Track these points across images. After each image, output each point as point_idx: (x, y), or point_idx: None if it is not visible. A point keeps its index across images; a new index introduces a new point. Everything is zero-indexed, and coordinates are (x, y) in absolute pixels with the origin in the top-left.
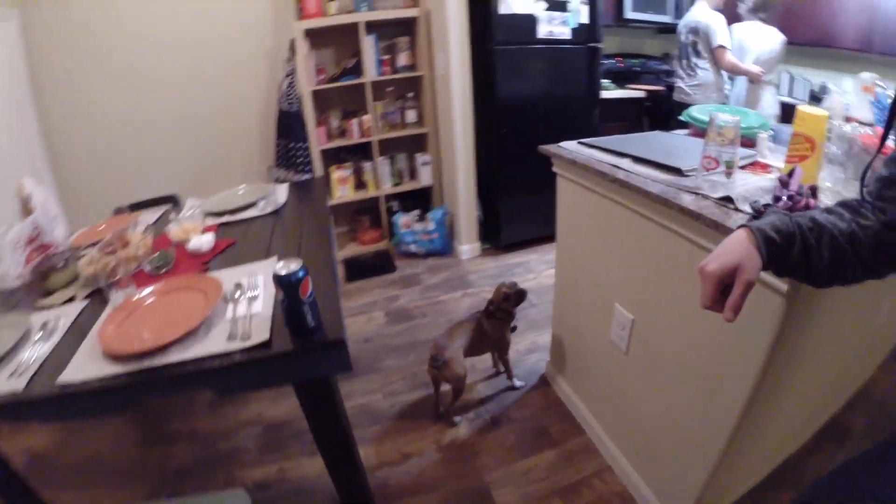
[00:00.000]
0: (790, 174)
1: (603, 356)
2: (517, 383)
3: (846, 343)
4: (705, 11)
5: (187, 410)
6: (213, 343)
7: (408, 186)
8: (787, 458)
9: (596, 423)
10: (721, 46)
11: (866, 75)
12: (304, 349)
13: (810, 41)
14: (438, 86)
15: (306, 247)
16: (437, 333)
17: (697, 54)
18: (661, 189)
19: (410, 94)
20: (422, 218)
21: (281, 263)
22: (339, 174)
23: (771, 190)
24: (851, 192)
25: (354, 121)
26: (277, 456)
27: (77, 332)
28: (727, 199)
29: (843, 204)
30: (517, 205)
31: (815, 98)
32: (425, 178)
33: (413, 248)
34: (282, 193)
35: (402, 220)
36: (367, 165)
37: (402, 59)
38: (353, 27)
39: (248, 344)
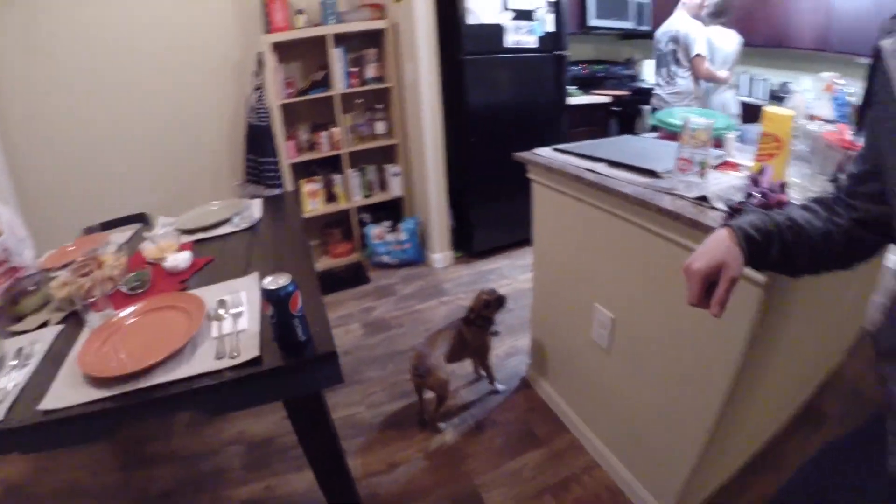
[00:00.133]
0: (760, 172)
1: (585, 355)
2: (499, 387)
3: (817, 330)
4: (684, 20)
5: (166, 432)
6: (201, 362)
7: (378, 198)
8: (767, 442)
9: (580, 421)
10: (699, 55)
11: (827, 74)
12: (297, 364)
13: (769, 42)
14: (407, 96)
15: (287, 261)
16: (416, 342)
17: (677, 63)
18: (639, 191)
19: (379, 106)
20: (394, 228)
21: (269, 278)
22: (310, 187)
23: (743, 188)
24: (818, 186)
25: (324, 133)
26: (263, 473)
27: (55, 357)
28: (703, 199)
29: (818, 201)
30: (488, 212)
31: (775, 97)
32: (396, 188)
33: (386, 258)
34: (256, 209)
35: (374, 231)
36: (337, 178)
37: (371, 71)
38: (320, 40)
39: (237, 361)
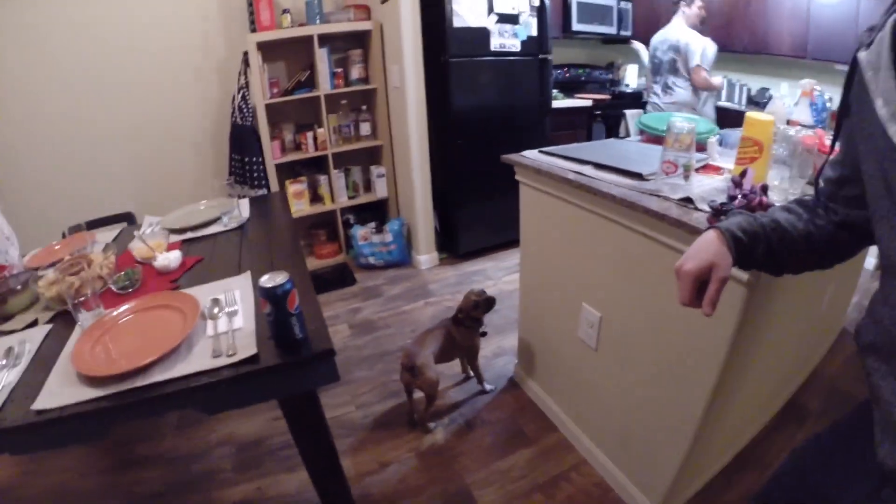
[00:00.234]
0: (742, 175)
1: (572, 354)
2: (487, 387)
3: (798, 329)
4: (683, 30)
5: (154, 433)
6: (198, 360)
7: (364, 199)
8: (753, 439)
9: (569, 419)
10: (698, 66)
11: (805, 81)
12: (294, 361)
13: (749, 49)
14: (392, 98)
15: (279, 260)
16: (404, 343)
17: (675, 72)
18: (625, 193)
19: (364, 107)
20: (379, 230)
21: (267, 276)
22: (295, 188)
23: (725, 190)
24: (797, 188)
25: (309, 134)
26: (254, 474)
27: (45, 356)
28: (687, 200)
29: (800, 203)
30: (473, 214)
31: (754, 102)
32: (381, 190)
33: (372, 260)
34: (245, 208)
35: (359, 232)
36: (322, 179)
37: (356, 73)
38: (305, 40)
39: (234, 359)
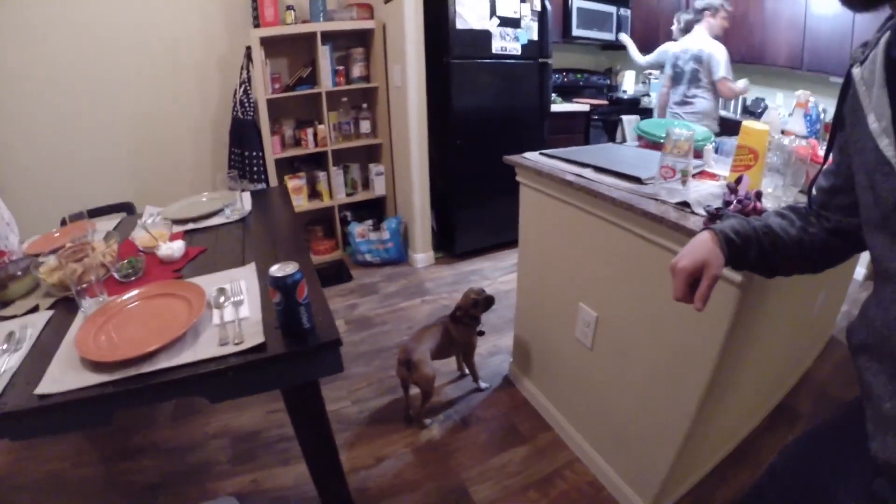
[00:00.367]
0: (738, 181)
1: (568, 354)
2: (483, 385)
3: (789, 331)
4: (706, 40)
5: (149, 424)
6: (204, 348)
7: (362, 196)
8: (745, 439)
9: (563, 418)
10: (724, 78)
11: (800, 92)
12: (301, 351)
13: (745, 58)
14: (393, 97)
15: (283, 253)
16: (400, 339)
17: (697, 83)
18: (624, 196)
19: (364, 105)
20: (377, 227)
21: (277, 266)
22: (294, 184)
23: (721, 195)
24: (790, 196)
25: (309, 130)
26: (250, 466)
27: (47, 342)
28: (684, 204)
29: (794, 209)
30: (471, 214)
31: (749, 112)
32: (379, 188)
33: (368, 257)
34: (247, 201)
35: (357, 229)
36: (321, 175)
37: (357, 71)
38: (307, 37)
39: (242, 348)
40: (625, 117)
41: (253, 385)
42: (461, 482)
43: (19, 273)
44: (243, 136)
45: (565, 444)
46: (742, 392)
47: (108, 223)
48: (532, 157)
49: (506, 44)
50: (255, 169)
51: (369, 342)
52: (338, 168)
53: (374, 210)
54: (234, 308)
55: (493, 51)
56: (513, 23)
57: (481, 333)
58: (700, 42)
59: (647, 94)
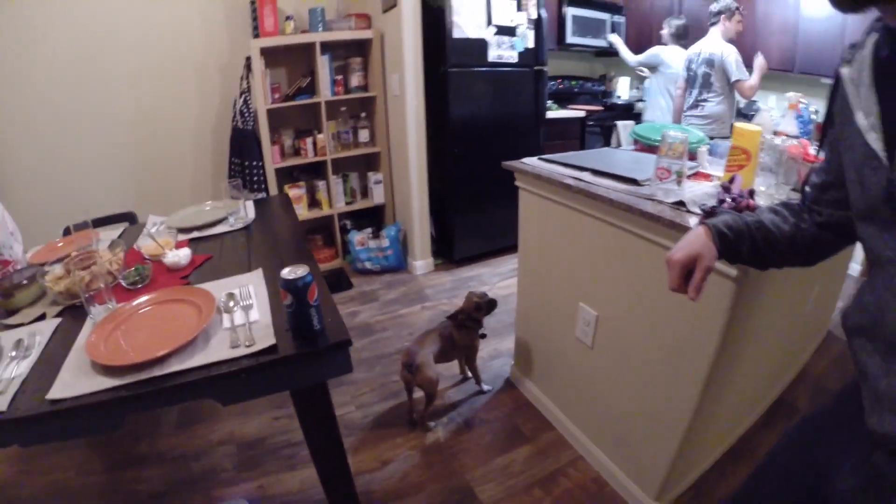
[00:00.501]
0: (731, 181)
1: (569, 353)
2: (485, 387)
3: (784, 325)
4: (719, 43)
5: (154, 432)
6: (216, 351)
7: (361, 205)
8: (744, 434)
9: (565, 417)
10: (739, 81)
11: (791, 94)
12: (313, 351)
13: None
14: (392, 106)
15: (288, 259)
16: (401, 345)
17: (709, 87)
18: (622, 197)
19: (363, 115)
20: (376, 235)
21: (288, 269)
22: (293, 193)
23: (715, 195)
24: (782, 194)
25: (309, 140)
26: (255, 473)
27: (56, 348)
28: (680, 204)
29: (786, 206)
30: (469, 221)
31: (742, 114)
32: (378, 196)
33: (368, 265)
34: (250, 209)
35: (356, 237)
36: (320, 184)
37: (355, 80)
38: (306, 47)
39: (253, 350)
40: (620, 123)
41: (264, 387)
42: (466, 483)
43: (25, 282)
44: (243, 145)
45: (568, 443)
46: (740, 385)
47: (110, 233)
48: (531, 161)
49: (502, 52)
50: (256, 178)
51: (371, 349)
52: (337, 177)
53: (374, 218)
54: (244, 312)
55: (490, 59)
56: (509, 31)
57: (483, 336)
58: (712, 45)
59: (641, 100)
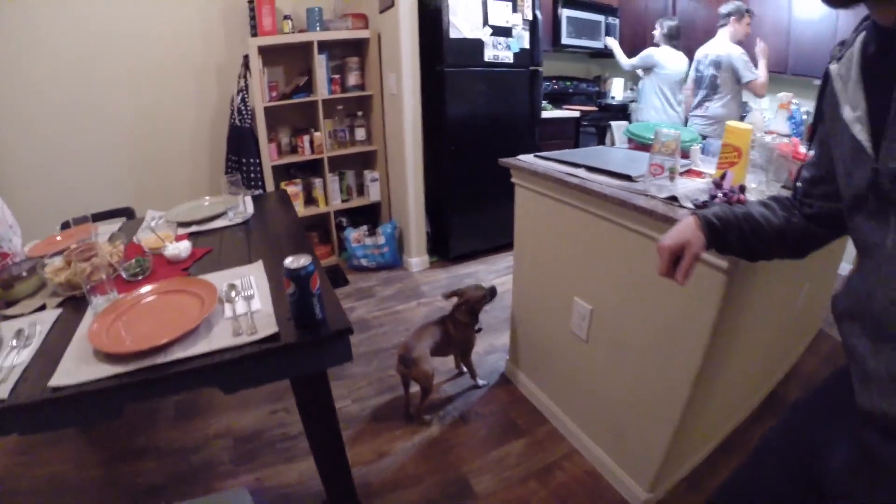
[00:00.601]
0: (722, 177)
1: (564, 347)
2: (480, 382)
3: (775, 320)
4: (726, 45)
5: (151, 426)
6: (219, 339)
7: (357, 202)
8: (736, 427)
9: (560, 411)
10: (751, 81)
11: (783, 95)
12: (315, 339)
13: None
14: (388, 105)
15: (289, 252)
16: (398, 340)
17: (715, 89)
18: (616, 192)
19: (360, 113)
20: (372, 232)
21: (291, 258)
22: (290, 190)
23: (707, 190)
24: (773, 191)
25: (306, 138)
26: (253, 465)
27: (57, 338)
28: (672, 199)
29: (777, 200)
30: (464, 219)
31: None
32: (374, 194)
33: (364, 262)
34: (249, 204)
35: (353, 234)
36: (316, 182)
37: (352, 79)
38: (304, 46)
39: (256, 337)
40: (614, 123)
41: (266, 374)
42: (462, 475)
43: (24, 274)
44: (241, 143)
45: (563, 437)
46: (732, 378)
47: (108, 228)
48: (527, 158)
49: (498, 52)
50: (253, 176)
51: (367, 344)
52: (333, 175)
53: (370, 216)
54: (246, 302)
55: (486, 59)
56: (505, 32)
57: (479, 331)
58: (719, 47)
59: (635, 101)
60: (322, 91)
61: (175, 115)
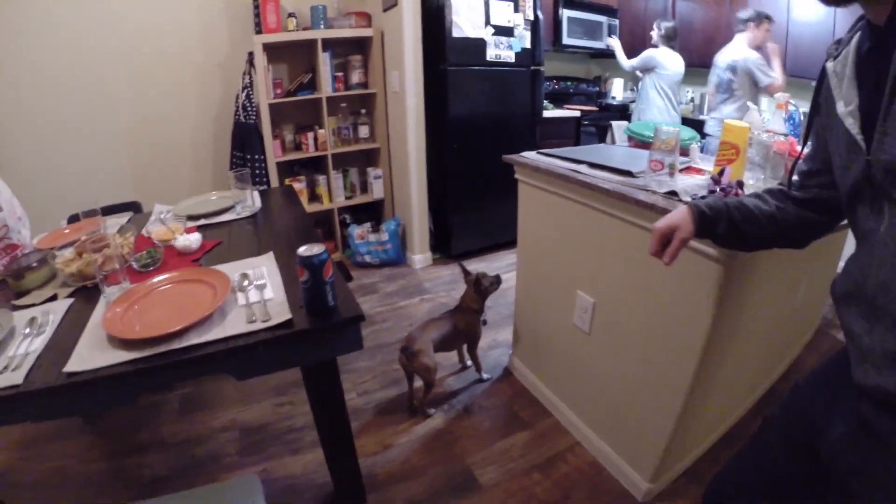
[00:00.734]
0: (721, 174)
1: (566, 340)
2: (485, 376)
3: (776, 316)
4: (742, 50)
5: (155, 420)
6: (233, 326)
7: (360, 199)
8: (735, 422)
9: (563, 404)
10: (770, 84)
11: (780, 95)
12: (327, 326)
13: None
14: (391, 103)
15: (298, 244)
16: (401, 335)
17: (731, 92)
18: (618, 187)
19: (363, 111)
20: (375, 229)
21: (304, 247)
22: (294, 187)
23: (706, 185)
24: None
25: (310, 135)
26: (259, 457)
27: (71, 326)
28: (672, 193)
29: (769, 190)
30: (467, 217)
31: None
32: (377, 191)
33: (367, 258)
34: (257, 199)
35: (356, 231)
36: (320, 179)
37: (356, 77)
38: (308, 43)
39: (270, 324)
40: (614, 122)
41: (279, 361)
42: (466, 466)
43: (35, 264)
44: (245, 139)
45: (565, 429)
46: (732, 371)
47: (115, 222)
48: (530, 155)
49: (500, 52)
50: (257, 172)
51: (371, 339)
52: (337, 172)
53: (373, 213)
54: (259, 291)
55: (488, 58)
56: (506, 31)
57: (484, 323)
58: (736, 52)
59: (636, 101)
60: (326, 88)
61: (179, 112)
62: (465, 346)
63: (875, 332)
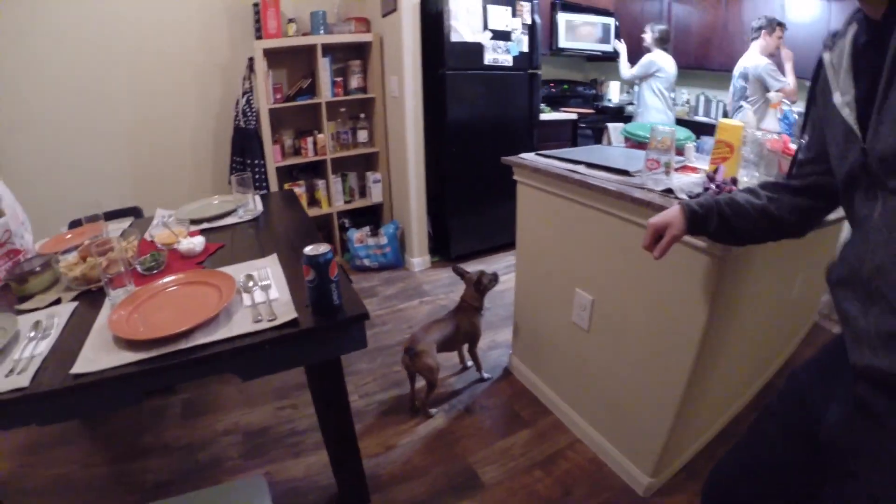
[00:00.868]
0: (715, 171)
1: (566, 338)
2: (485, 375)
3: (771, 312)
4: (755, 58)
5: (158, 425)
6: (239, 326)
7: (359, 204)
8: (732, 418)
9: (563, 402)
10: (780, 90)
11: (773, 94)
12: (333, 324)
13: (724, 67)
14: (390, 107)
15: (300, 246)
16: (402, 338)
17: (745, 99)
18: (615, 186)
19: (362, 116)
20: (374, 233)
21: (310, 247)
22: (294, 191)
23: (701, 183)
24: None
25: (309, 139)
26: (262, 461)
27: (76, 329)
28: (668, 191)
29: (763, 184)
30: (465, 220)
31: (728, 117)
32: (376, 195)
33: (366, 262)
34: (259, 202)
35: (355, 235)
36: (319, 183)
37: (355, 82)
38: (308, 49)
39: (276, 323)
40: (610, 125)
41: (285, 360)
42: (469, 465)
43: (38, 269)
44: (245, 144)
45: (566, 427)
46: (729, 364)
47: (117, 227)
48: (528, 156)
49: (498, 56)
50: (257, 177)
51: (371, 341)
52: (336, 176)
53: (372, 216)
54: (264, 291)
55: (486, 62)
56: (504, 36)
57: (482, 315)
58: (747, 60)
59: (632, 104)
60: (325, 93)
61: (179, 112)
62: (465, 347)
63: (870, 314)
